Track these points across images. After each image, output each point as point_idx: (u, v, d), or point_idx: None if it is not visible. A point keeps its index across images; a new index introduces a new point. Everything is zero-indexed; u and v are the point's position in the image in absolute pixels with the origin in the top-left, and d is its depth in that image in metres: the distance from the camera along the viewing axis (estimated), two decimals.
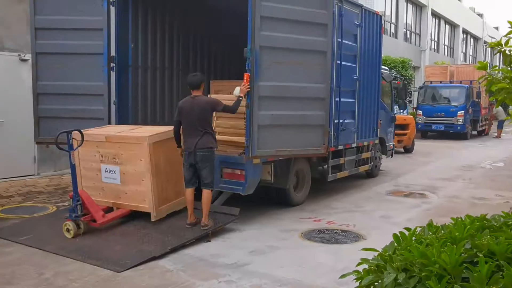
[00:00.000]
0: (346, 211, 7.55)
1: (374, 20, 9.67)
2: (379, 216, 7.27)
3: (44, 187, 8.64)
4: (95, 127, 6.99)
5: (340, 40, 8.19)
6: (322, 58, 6.88)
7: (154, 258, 5.17)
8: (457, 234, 2.31)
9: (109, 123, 7.62)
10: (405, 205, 8.10)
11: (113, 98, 7.79)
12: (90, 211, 5.94)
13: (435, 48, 33.34)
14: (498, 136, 22.47)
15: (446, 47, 35.61)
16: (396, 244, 2.47)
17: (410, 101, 19.93)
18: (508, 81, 6.18)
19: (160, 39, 8.81)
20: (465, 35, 39.72)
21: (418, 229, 2.59)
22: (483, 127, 23.61)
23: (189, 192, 6.07)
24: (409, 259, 2.21)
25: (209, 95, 7.09)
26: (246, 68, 6.24)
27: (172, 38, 9.12)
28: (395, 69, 21.35)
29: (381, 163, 11.20)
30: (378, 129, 10.22)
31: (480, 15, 43.47)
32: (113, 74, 7.78)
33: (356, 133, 9.10)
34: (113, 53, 7.77)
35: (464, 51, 40.22)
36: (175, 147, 6.15)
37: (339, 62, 8.20)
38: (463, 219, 2.59)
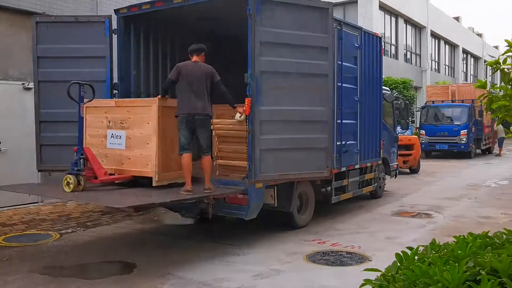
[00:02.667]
0: (351, 233, 7.49)
1: (373, 42, 9.77)
2: (384, 237, 7.21)
3: (47, 214, 8.64)
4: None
5: (340, 62, 8.26)
6: (323, 81, 6.93)
7: (154, 205, 5.19)
8: (459, 252, 2.29)
9: None
10: (411, 226, 8.04)
11: None
12: (93, 168, 6.12)
13: (436, 68, 33.56)
14: (500, 154, 22.42)
15: (446, 67, 35.84)
16: (399, 264, 2.45)
17: (412, 121, 20.00)
18: (508, 98, 6.22)
19: (162, 66, 8.89)
20: (465, 55, 40.01)
21: (421, 248, 2.57)
22: (487, 146, 23.57)
23: (187, 157, 5.99)
24: (412, 278, 2.19)
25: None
26: (247, 93, 6.29)
27: (174, 64, 9.21)
28: (396, 90, 21.48)
29: (385, 184, 11.15)
30: (381, 150, 10.22)
31: (480, 35, 43.88)
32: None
33: (359, 154, 9.10)
34: (115, 80, 7.87)
35: (464, 70, 40.45)
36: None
37: (340, 84, 8.26)
38: (465, 237, 2.58)
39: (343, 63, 8.39)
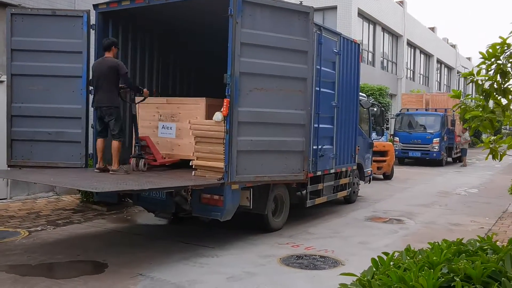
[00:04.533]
0: (324, 237, 7.53)
1: (352, 48, 9.85)
2: (357, 242, 7.27)
3: (16, 211, 8.42)
4: (71, 151, 7.12)
5: (319, 67, 8.29)
6: (302, 84, 6.96)
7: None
8: (434, 258, 2.32)
9: (87, 146, 7.54)
10: (383, 231, 8.13)
11: (91, 121, 7.71)
12: (152, 152, 7.43)
13: (411, 76, 34.14)
14: (464, 164, 22.14)
15: (421, 76, 36.50)
16: (374, 269, 2.47)
17: (387, 128, 20.27)
18: (481, 109, 6.35)
19: (140, 62, 8.80)
20: (439, 65, 40.84)
21: (396, 254, 2.59)
22: (458, 154, 24.02)
23: (100, 142, 7.15)
24: (388, 283, 2.21)
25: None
26: (226, 94, 6.26)
27: (152, 61, 9.13)
28: (372, 96, 21.75)
29: (359, 189, 11.26)
30: (356, 155, 10.32)
31: (453, 46, 44.84)
32: (91, 97, 7.71)
33: (335, 159, 9.15)
34: (91, 76, 7.71)
35: (438, 80, 41.28)
36: None
37: (318, 88, 8.28)
38: (440, 243, 2.61)
39: (322, 68, 8.42)
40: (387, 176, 15.83)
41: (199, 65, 10.05)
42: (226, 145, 6.34)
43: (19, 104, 7.51)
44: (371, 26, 27.13)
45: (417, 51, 34.74)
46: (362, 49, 26.01)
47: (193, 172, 6.91)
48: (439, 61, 39.81)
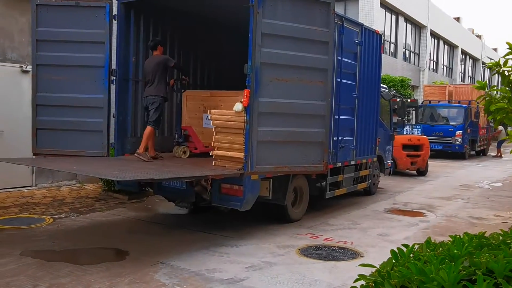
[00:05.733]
0: (344, 228, 7.52)
1: (374, 39, 9.74)
2: (376, 234, 7.24)
3: (41, 199, 8.61)
4: (93, 140, 7.32)
5: (340, 58, 8.23)
6: (323, 75, 6.90)
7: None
8: (455, 251, 2.30)
9: (108, 136, 7.64)
10: (403, 223, 8.07)
11: (112, 111, 7.81)
12: (194, 142, 7.98)
13: (434, 68, 33.58)
14: (498, 155, 22.47)
15: (445, 67, 35.86)
16: (394, 261, 2.46)
17: (409, 120, 20.03)
18: (507, 101, 6.21)
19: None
20: (464, 56, 40.03)
21: (416, 246, 2.58)
22: (482, 147, 23.65)
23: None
24: (407, 276, 2.20)
25: (206, 109, 7.78)
26: (246, 84, 6.27)
27: (173, 52, 9.16)
28: (394, 88, 21.49)
29: (379, 181, 11.18)
30: (377, 147, 10.24)
31: (479, 37, 43.91)
32: (113, 87, 7.82)
33: (355, 151, 9.10)
34: (114, 66, 7.80)
35: (462, 71, 40.50)
36: None
37: (339, 79, 8.23)
38: (461, 237, 2.59)
39: (343, 59, 8.36)
40: (421, 172, 14.82)
41: (222, 61, 10.04)
42: (246, 135, 6.34)
43: (43, 94, 7.63)
44: (394, 17, 26.71)
45: (441, 42, 34.11)
46: (384, 40, 25.68)
47: (213, 162, 6.96)
48: (463, 52, 39.02)
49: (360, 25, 9.25)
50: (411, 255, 2.50)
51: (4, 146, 8.76)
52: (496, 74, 6.23)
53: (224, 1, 7.77)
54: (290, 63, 6.58)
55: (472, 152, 22.75)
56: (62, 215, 7.60)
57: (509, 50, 6.00)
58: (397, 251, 2.49)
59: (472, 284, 2.02)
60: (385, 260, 2.47)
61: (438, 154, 21.46)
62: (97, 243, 6.23)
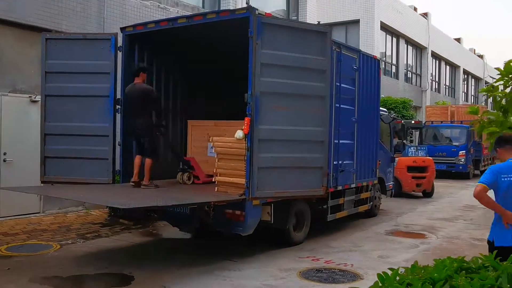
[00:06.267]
0: (345, 251, 7.64)
1: (372, 64, 10.00)
2: (377, 256, 7.36)
3: (49, 225, 8.79)
4: (99, 167, 7.45)
5: (338, 84, 8.47)
6: (320, 102, 7.14)
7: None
8: (435, 275, 2.47)
9: (114, 163, 7.86)
10: (404, 245, 8.18)
11: (118, 139, 8.06)
12: (196, 172, 8.13)
13: (436, 88, 33.86)
14: None
15: (447, 87, 36.14)
16: (380, 284, 2.62)
17: (411, 141, 20.19)
18: (499, 125, 6.39)
19: (164, 82, 9.13)
20: (466, 76, 40.35)
21: (402, 269, 2.74)
22: (486, 167, 23.68)
23: (137, 159, 7.67)
24: None
25: (210, 138, 7.49)
26: (247, 113, 6.50)
27: (176, 82, 9.44)
28: (395, 110, 21.72)
29: (380, 203, 11.31)
30: (377, 169, 10.40)
31: (481, 56, 44.26)
32: (118, 116, 8.07)
33: (355, 174, 9.26)
34: (119, 95, 8.08)
35: (465, 91, 40.76)
36: None
37: (338, 105, 8.46)
38: (444, 260, 2.75)
39: (342, 85, 8.60)
40: (427, 194, 14.76)
41: (223, 91, 10.22)
42: (247, 161, 6.56)
43: (52, 123, 7.91)
44: (394, 39, 27.13)
45: (442, 63, 34.47)
46: (385, 62, 26.06)
47: (216, 188, 7.15)
48: (465, 72, 39.35)
49: (357, 51, 9.53)
50: (397, 278, 2.66)
51: (13, 174, 9.00)
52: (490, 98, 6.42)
53: (225, 33, 8.04)
54: (289, 91, 6.82)
55: (477, 172, 22.78)
56: (69, 241, 7.78)
57: (499, 76, 6.22)
58: (383, 274, 2.66)
59: None
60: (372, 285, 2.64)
61: (441, 174, 21.49)
62: (103, 269, 6.39)
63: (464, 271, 2.53)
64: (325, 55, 7.13)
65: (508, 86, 6.58)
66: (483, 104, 30.01)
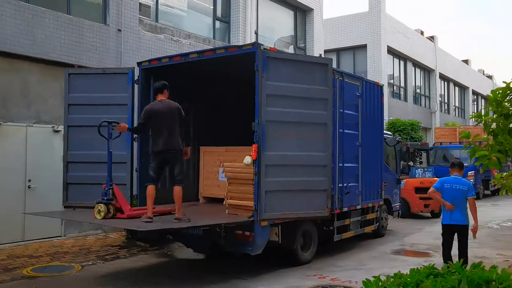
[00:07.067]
0: (350, 269, 8.02)
1: (375, 90, 10.50)
2: (381, 274, 7.69)
3: (70, 248, 9.32)
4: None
5: (342, 110, 8.97)
6: (323, 129, 7.63)
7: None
8: (408, 279, 2.92)
9: (131, 188, 8.39)
10: (408, 264, 8.50)
11: (135, 165, 8.61)
12: (120, 204, 7.05)
13: (446, 109, 34.17)
14: None
15: (456, 108, 36.43)
16: None
17: (421, 162, 20.50)
18: (489, 148, 6.88)
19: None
20: (475, 96, 40.62)
21: (383, 277, 3.19)
22: (496, 187, 23.82)
23: (152, 188, 6.87)
24: None
25: (221, 163, 7.95)
26: (254, 140, 7.01)
27: (190, 110, 9.98)
28: (404, 132, 22.09)
29: (387, 223, 11.64)
30: (383, 191, 10.78)
31: (490, 77, 44.53)
32: (135, 144, 8.64)
33: (361, 196, 9.67)
34: (136, 125, 8.64)
35: (475, 111, 40.94)
36: None
37: (342, 130, 8.94)
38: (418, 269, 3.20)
39: (345, 111, 9.09)
40: (436, 214, 14.97)
41: (234, 118, 10.71)
42: (255, 185, 7.04)
43: (74, 152, 8.48)
44: (402, 62, 27.66)
45: (451, 84, 34.84)
46: (393, 85, 26.55)
47: (226, 210, 7.63)
48: (474, 93, 39.65)
49: (360, 79, 10.04)
50: (380, 284, 3.11)
51: (37, 200, 9.59)
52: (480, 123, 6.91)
53: (234, 67, 8.61)
54: (293, 119, 7.33)
55: (487, 192, 22.93)
56: (90, 263, 8.28)
57: (488, 104, 6.66)
58: (366, 281, 3.11)
59: None
60: None
61: None
62: (123, 287, 6.86)
63: (432, 276, 2.97)
64: (326, 85, 7.65)
65: (496, 113, 7.03)
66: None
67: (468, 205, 7.21)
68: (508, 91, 6.67)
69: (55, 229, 10.03)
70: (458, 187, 7.15)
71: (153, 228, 6.59)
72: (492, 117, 6.70)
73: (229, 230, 7.32)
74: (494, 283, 2.75)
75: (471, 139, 7.20)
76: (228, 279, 7.25)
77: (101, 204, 6.96)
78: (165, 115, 6.82)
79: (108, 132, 7.36)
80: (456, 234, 7.29)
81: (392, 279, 3.10)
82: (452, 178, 7.30)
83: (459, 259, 5.13)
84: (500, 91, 6.81)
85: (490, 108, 6.69)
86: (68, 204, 8.55)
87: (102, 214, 6.88)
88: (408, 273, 7.30)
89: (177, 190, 6.78)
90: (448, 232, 7.33)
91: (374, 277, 3.22)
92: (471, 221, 7.25)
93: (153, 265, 8.36)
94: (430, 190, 7.33)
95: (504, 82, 6.08)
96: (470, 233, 7.23)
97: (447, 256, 7.36)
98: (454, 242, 7.31)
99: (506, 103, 6.72)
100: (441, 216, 7.51)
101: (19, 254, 8.64)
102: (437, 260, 8.91)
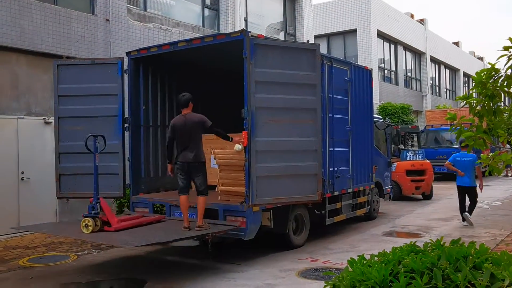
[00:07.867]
0: (342, 252, 8.17)
1: (363, 75, 10.58)
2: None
3: (65, 238, 9.38)
4: (111, 182, 8.00)
5: (331, 95, 9.07)
6: (312, 114, 7.70)
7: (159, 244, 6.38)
8: (390, 257, 3.03)
9: (124, 178, 8.47)
10: (398, 245, 8.58)
11: (127, 155, 8.67)
12: (107, 217, 7.05)
13: (437, 92, 34.34)
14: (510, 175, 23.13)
15: (448, 91, 36.61)
16: (349, 268, 3.19)
17: (412, 145, 20.69)
18: (475, 129, 7.04)
19: (168, 101, 9.74)
20: (466, 78, 40.81)
21: (367, 256, 3.30)
22: (487, 168, 24.08)
23: (184, 198, 7.20)
24: (354, 277, 2.93)
25: (213, 151, 8.01)
26: (244, 127, 7.09)
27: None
28: (395, 115, 22.26)
29: (379, 206, 11.81)
30: (374, 174, 10.92)
31: (481, 59, 44.71)
32: (127, 134, 8.70)
33: (351, 179, 9.80)
34: (126, 115, 8.71)
35: (467, 93, 41.06)
36: None
37: (331, 115, 9.04)
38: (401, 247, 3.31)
39: (334, 96, 9.19)
40: (427, 196, 15.40)
41: (221, 100, 10.82)
42: (246, 172, 7.13)
43: (65, 143, 8.53)
44: (392, 46, 27.72)
45: (442, 67, 34.99)
46: (384, 68, 26.63)
47: (218, 197, 7.73)
48: (466, 75, 39.82)
49: (349, 63, 10.12)
50: (364, 262, 3.22)
51: (30, 192, 9.65)
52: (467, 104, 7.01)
53: (221, 54, 8.65)
54: (282, 105, 7.40)
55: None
56: (85, 252, 8.37)
57: (475, 84, 6.79)
58: (351, 259, 3.22)
59: (397, 280, 2.74)
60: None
61: (443, 177, 21.93)
62: (118, 275, 6.98)
63: (413, 253, 3.08)
64: (315, 70, 7.71)
65: (481, 94, 7.16)
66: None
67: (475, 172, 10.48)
68: (493, 72, 6.80)
69: (50, 220, 10.06)
70: (466, 159, 10.45)
71: (139, 244, 6.65)
72: (477, 98, 6.84)
73: (222, 216, 7.42)
74: (471, 257, 2.86)
75: (457, 120, 7.36)
76: (222, 264, 7.38)
77: (88, 218, 6.98)
78: (187, 129, 7.12)
79: (94, 145, 7.43)
80: (467, 194, 10.58)
81: (376, 257, 3.21)
82: (462, 153, 10.60)
83: (470, 209, 10.62)
84: (485, 72, 6.94)
85: (475, 90, 6.83)
86: (62, 195, 8.63)
87: (90, 228, 6.89)
88: None
89: (200, 200, 7.12)
90: (461, 192, 10.67)
91: (358, 255, 3.32)
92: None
93: (148, 252, 8.46)
94: (446, 163, 10.85)
95: (489, 63, 6.20)
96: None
97: (462, 209, 10.57)
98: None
99: (491, 85, 6.86)
100: (456, 180, 10.93)
101: (15, 246, 8.73)
102: (426, 240, 9.08)
